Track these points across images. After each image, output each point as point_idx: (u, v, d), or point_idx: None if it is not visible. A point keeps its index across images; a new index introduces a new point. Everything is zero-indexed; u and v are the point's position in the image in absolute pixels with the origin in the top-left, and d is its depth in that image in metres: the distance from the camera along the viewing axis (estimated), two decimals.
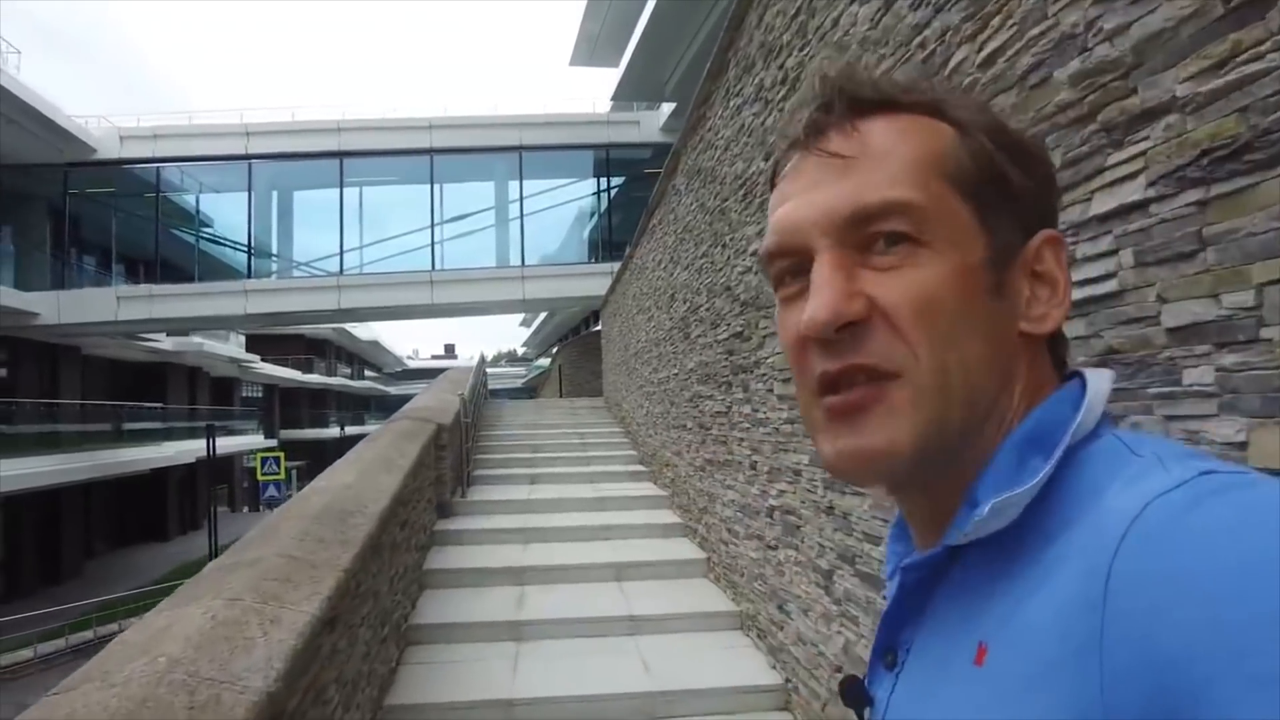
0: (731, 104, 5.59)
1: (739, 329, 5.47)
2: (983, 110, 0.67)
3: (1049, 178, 0.68)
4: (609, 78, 28.10)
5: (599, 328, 33.38)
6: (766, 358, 4.82)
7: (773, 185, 0.70)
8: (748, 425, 5.33)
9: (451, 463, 8.79)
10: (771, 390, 4.73)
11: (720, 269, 6.00)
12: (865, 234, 0.61)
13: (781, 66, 4.34)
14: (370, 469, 5.31)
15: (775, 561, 4.77)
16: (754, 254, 5.02)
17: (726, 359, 5.87)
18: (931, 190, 0.61)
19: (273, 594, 2.78)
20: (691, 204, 7.16)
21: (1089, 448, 0.59)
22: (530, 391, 58.73)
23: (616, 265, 24.52)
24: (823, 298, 0.60)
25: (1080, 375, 0.64)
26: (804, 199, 0.64)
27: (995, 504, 0.57)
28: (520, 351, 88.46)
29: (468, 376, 14.56)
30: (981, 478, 0.61)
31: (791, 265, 0.65)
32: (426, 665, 5.19)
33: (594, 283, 23.68)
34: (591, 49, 25.73)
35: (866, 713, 0.71)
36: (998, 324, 0.62)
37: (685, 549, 7.36)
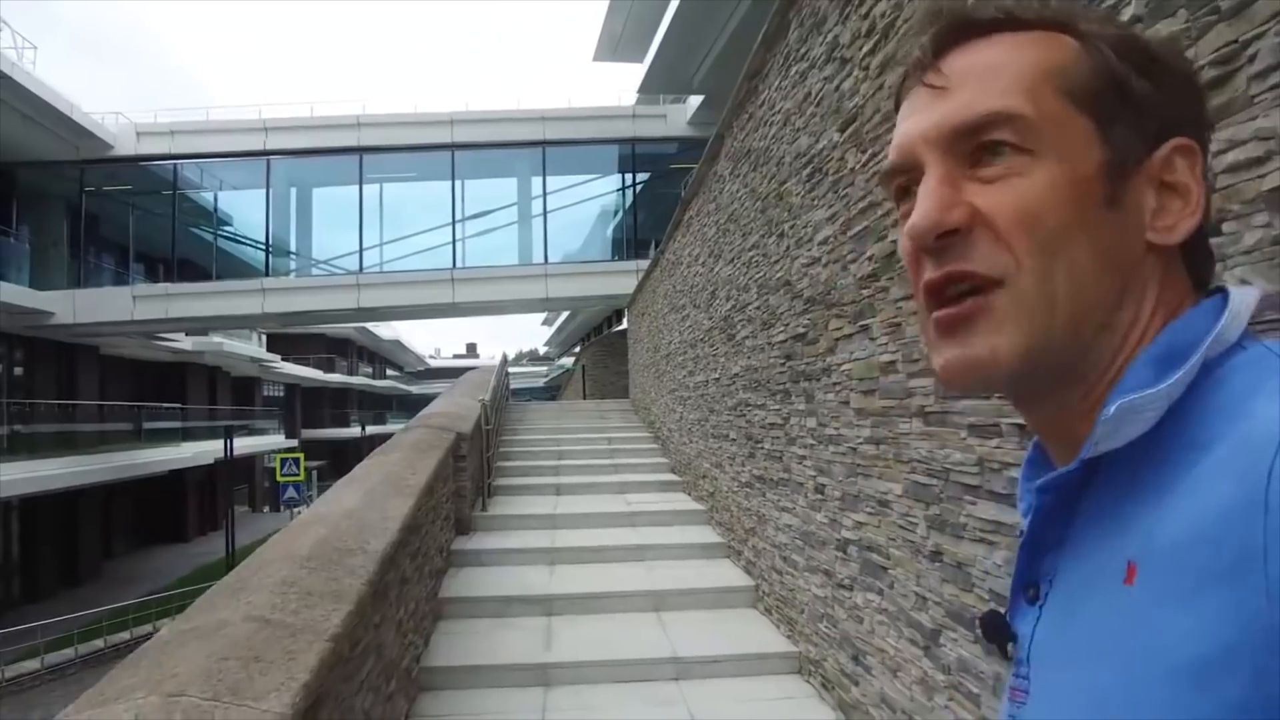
0: (793, 71, 4.87)
1: (800, 330, 4.75)
2: (1110, 22, 0.66)
3: (1186, 86, 0.65)
4: (634, 73, 27.48)
5: (622, 327, 32.87)
6: (840, 364, 4.08)
7: (897, 106, 0.70)
8: (812, 442, 4.61)
9: (471, 473, 8.12)
10: (847, 403, 4.00)
11: (776, 261, 5.29)
12: (972, 146, 0.62)
13: (866, 15, 3.62)
14: (378, 491, 4.63)
15: (849, 604, 4.04)
16: (822, 243, 4.31)
17: (783, 364, 5.16)
18: (1043, 101, 0.61)
19: (231, 684, 2.09)
20: (738, 191, 6.45)
21: (1234, 358, 0.57)
22: (552, 391, 58.26)
23: (642, 263, 23.99)
24: (924, 207, 0.61)
25: (1224, 290, 0.62)
26: (919, 115, 0.65)
27: (1123, 404, 0.56)
28: (542, 351, 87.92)
29: (489, 379, 13.91)
30: (1113, 390, 0.59)
31: (906, 181, 0.66)
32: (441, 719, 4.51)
33: (619, 281, 23.03)
34: (615, 44, 25.02)
35: (1010, 648, 0.66)
36: (1114, 235, 0.61)
37: (729, 574, 6.64)
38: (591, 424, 14.45)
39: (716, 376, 7.50)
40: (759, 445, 5.90)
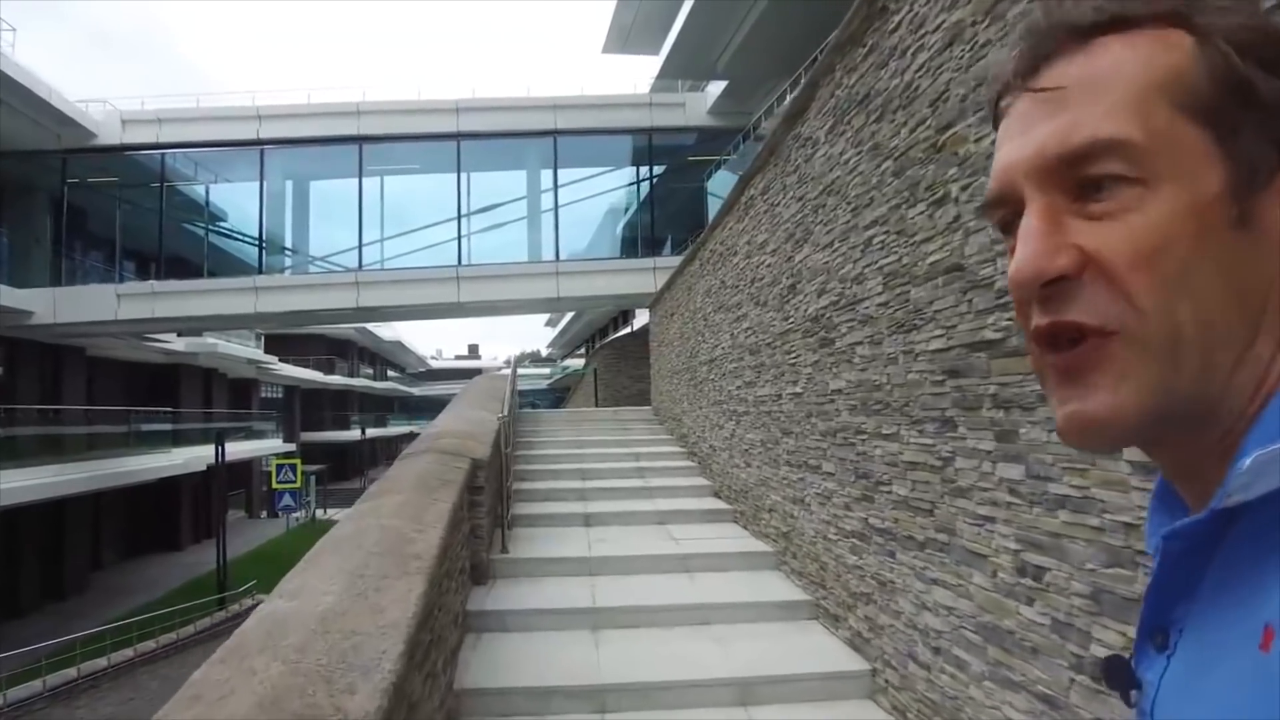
0: None
1: (990, 336, 3.26)
2: (1232, 9, 0.58)
3: None
4: (645, 66, 26.16)
5: (629, 330, 31.40)
6: None
7: (995, 123, 0.64)
8: (1011, 499, 3.13)
9: (488, 506, 6.65)
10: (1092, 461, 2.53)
11: (927, 239, 3.80)
12: (1077, 177, 0.56)
13: None
14: (372, 567, 3.15)
15: None
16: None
17: (942, 382, 3.68)
18: (1155, 119, 0.55)
19: None
20: (843, 153, 4.97)
21: None
22: (557, 394, 56.85)
23: (660, 260, 22.67)
24: (1024, 253, 0.57)
25: None
26: (1017, 141, 0.60)
27: (1261, 456, 0.51)
28: (545, 352, 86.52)
29: (501, 386, 12.44)
30: (1250, 433, 0.53)
31: (1008, 214, 0.61)
32: None
33: (635, 279, 21.67)
34: (626, 35, 23.66)
35: (1133, 696, 0.62)
36: (1245, 259, 0.55)
37: (829, 649, 5.14)
38: (613, 436, 12.98)
39: (797, 391, 6.02)
40: (883, 488, 4.42)
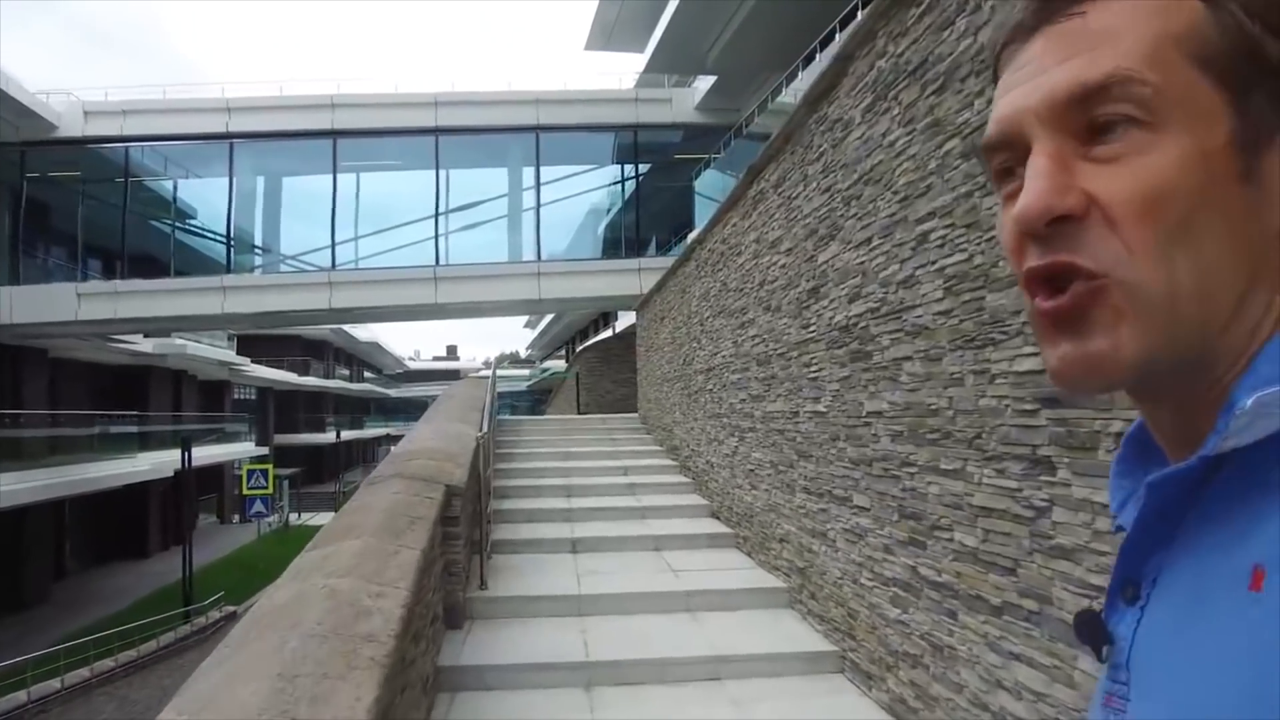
0: None
1: None
2: None
3: None
4: (629, 64, 25.44)
5: (611, 332, 30.55)
6: None
7: (995, 80, 0.63)
8: None
9: (464, 537, 5.87)
10: None
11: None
12: (1087, 119, 0.55)
13: None
14: (308, 662, 2.37)
15: None
16: None
17: (1035, 412, 2.93)
18: (1168, 66, 0.54)
19: None
20: (887, 133, 4.23)
21: None
22: (536, 396, 55.96)
23: (645, 262, 21.87)
24: (1033, 189, 0.56)
25: None
26: (1026, 85, 0.58)
27: (1262, 397, 0.51)
28: (524, 354, 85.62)
29: (479, 394, 11.65)
30: (1241, 379, 0.54)
31: (1011, 159, 0.60)
32: None
33: (619, 281, 20.92)
34: (609, 31, 22.94)
35: (1105, 651, 0.61)
36: (1246, 214, 0.55)
37: (868, 716, 4.39)
38: (599, 447, 12.21)
39: (819, 410, 5.28)
40: (941, 533, 3.68)
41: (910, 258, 3.95)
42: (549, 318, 48.20)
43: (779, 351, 6.19)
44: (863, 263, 4.54)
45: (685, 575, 6.53)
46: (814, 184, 5.37)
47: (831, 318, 5.06)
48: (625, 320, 26.83)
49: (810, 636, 5.34)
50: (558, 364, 54.31)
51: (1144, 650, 0.57)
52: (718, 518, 8.39)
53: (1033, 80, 0.58)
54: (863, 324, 4.56)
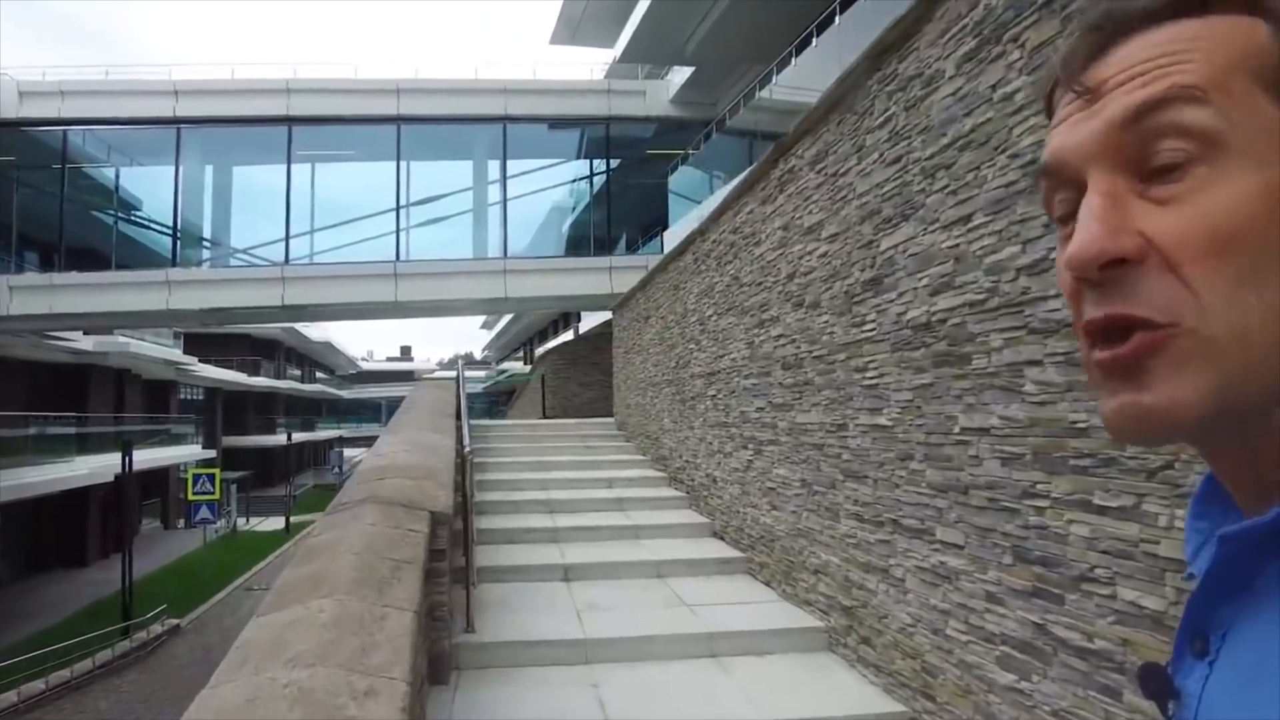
0: None
1: None
2: None
3: None
4: (598, 59, 24.64)
5: (573, 333, 29.60)
6: None
7: (1048, 113, 0.61)
8: None
9: (450, 570, 4.94)
10: None
11: None
12: (1145, 154, 0.52)
13: None
14: None
15: None
16: None
17: None
18: (1233, 90, 0.51)
19: None
20: (1000, 83, 3.38)
21: None
22: (492, 399, 54.81)
23: (617, 259, 21.06)
24: (1086, 231, 0.53)
25: None
26: (1078, 117, 0.56)
27: None
28: (481, 355, 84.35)
29: (448, 397, 10.69)
30: None
31: (1066, 199, 0.58)
32: None
33: (589, 279, 20.07)
34: (576, 24, 22.13)
35: (1170, 706, 0.58)
36: None
37: None
38: (577, 456, 11.27)
39: (881, 423, 4.42)
40: (1090, 586, 2.82)
41: (1040, 237, 3.10)
42: (507, 318, 47.19)
43: (816, 354, 5.33)
44: (956, 246, 3.69)
45: (702, 611, 5.64)
46: (874, 156, 4.51)
47: (901, 314, 4.20)
48: (590, 321, 25.96)
49: (867, 692, 4.47)
50: (516, 365, 53.32)
51: (1213, 707, 0.54)
52: (722, 539, 7.52)
53: (1087, 120, 0.55)
54: (955, 320, 3.70)
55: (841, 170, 4.94)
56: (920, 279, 4.02)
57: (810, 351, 5.43)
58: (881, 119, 4.44)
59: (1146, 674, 0.60)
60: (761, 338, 6.41)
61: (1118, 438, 0.55)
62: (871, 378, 4.55)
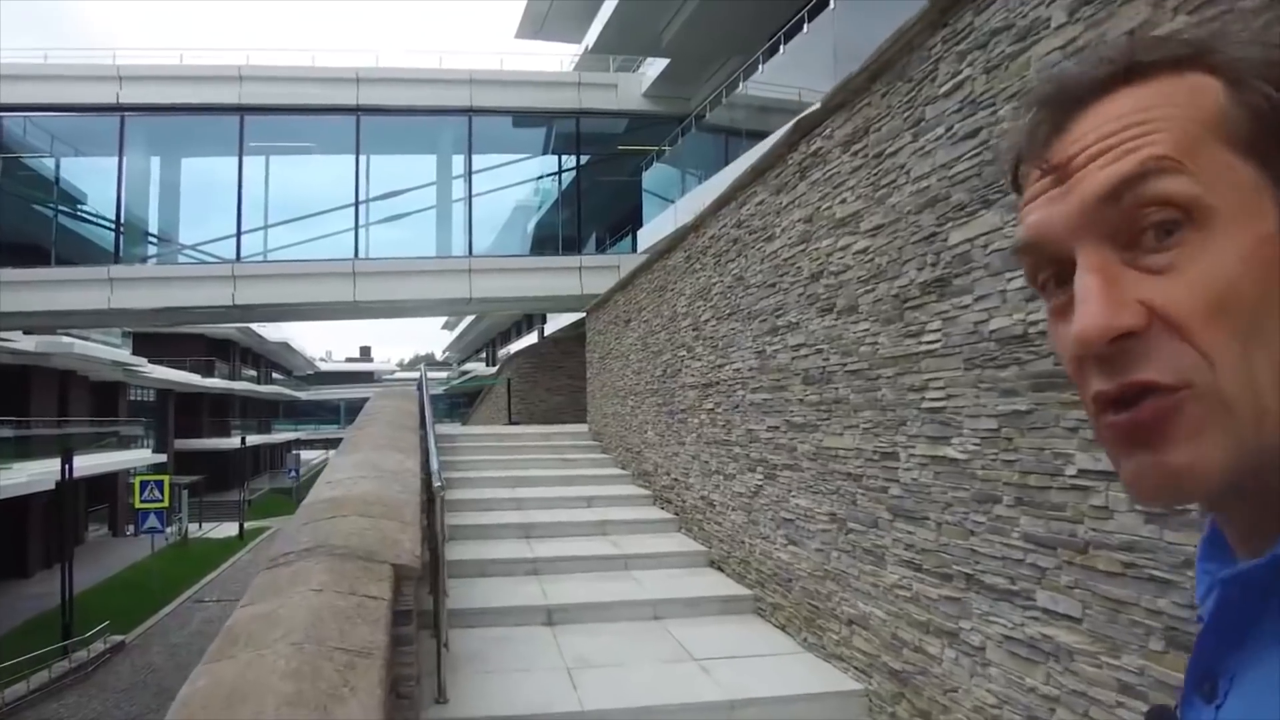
0: None
1: None
2: (1258, 41, 0.55)
3: None
4: (566, 55, 23.75)
5: (534, 336, 28.66)
6: None
7: (1016, 189, 0.61)
8: None
9: (415, 633, 4.06)
10: None
11: None
12: (1130, 220, 0.52)
13: None
14: None
15: None
16: None
17: None
18: (1206, 153, 0.51)
19: None
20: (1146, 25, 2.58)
21: None
22: (453, 401, 53.70)
23: (587, 259, 20.14)
24: (1088, 310, 0.52)
25: None
26: (1058, 204, 0.55)
27: None
28: (442, 356, 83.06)
29: (412, 408, 9.78)
30: None
31: (1052, 274, 0.57)
32: None
33: (558, 280, 19.17)
34: (542, 19, 21.25)
35: None
36: None
37: None
38: (553, 471, 10.41)
39: (952, 455, 3.61)
40: None
41: None
42: (469, 319, 46.10)
43: (851, 367, 4.52)
44: None
45: (715, 669, 4.80)
46: (939, 130, 3.70)
47: (980, 323, 3.41)
48: (556, 322, 25.07)
49: None
50: (479, 366, 52.30)
51: None
52: (722, 570, 6.72)
53: (1061, 198, 0.54)
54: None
55: (889, 150, 4.13)
56: (1010, 280, 3.22)
57: (843, 365, 4.62)
58: (949, 85, 3.64)
59: (1155, 718, 0.59)
60: (775, 346, 5.60)
61: (1139, 500, 0.54)
62: (935, 399, 3.74)
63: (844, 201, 4.59)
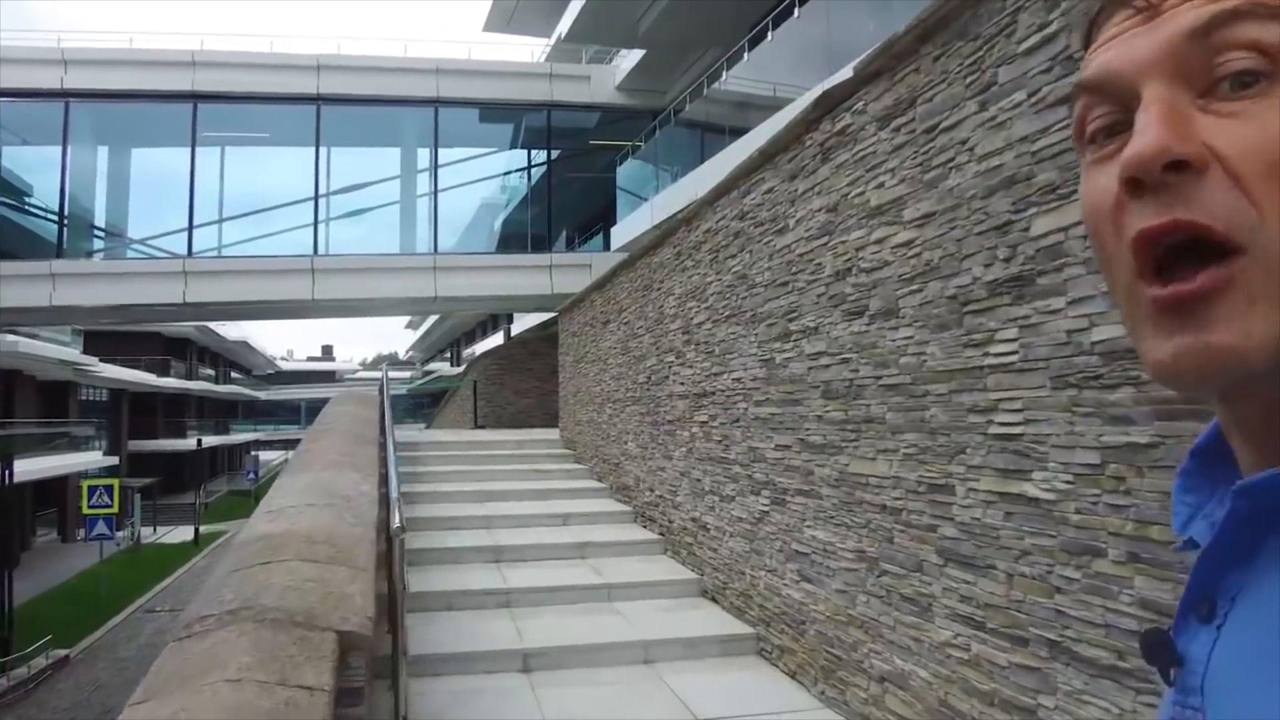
0: None
1: None
2: None
3: None
4: (534, 50, 23.03)
5: (499, 335, 27.86)
6: None
7: (1087, 46, 0.57)
8: None
9: (363, 707, 3.32)
10: None
11: None
12: (1210, 64, 0.48)
13: None
14: None
15: None
16: None
17: None
18: None
19: None
20: None
21: None
22: (416, 401, 52.76)
23: (558, 257, 19.40)
24: (1148, 133, 0.48)
25: None
26: (1135, 30, 0.52)
27: None
28: (405, 355, 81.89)
29: (372, 413, 9.00)
30: None
31: (1108, 117, 0.53)
32: None
33: (527, 279, 18.48)
34: (512, 10, 20.44)
35: (1174, 674, 0.55)
36: None
37: None
38: (525, 484, 9.64)
39: (1030, 494, 2.92)
40: None
41: None
42: (433, 318, 45.20)
43: (888, 381, 3.84)
44: None
45: None
46: (1019, 95, 3.02)
47: (1076, 332, 2.73)
48: (523, 322, 24.33)
49: None
50: (443, 366, 51.41)
51: (1221, 673, 0.52)
52: (718, 602, 6.02)
53: (1145, 26, 0.51)
54: None
55: (944, 123, 3.45)
56: None
57: (877, 378, 3.94)
58: (1034, 39, 2.96)
59: (1149, 641, 0.57)
60: (787, 354, 4.91)
61: (1169, 382, 0.51)
62: (1007, 423, 3.06)
63: (881, 186, 3.91)
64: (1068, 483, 2.79)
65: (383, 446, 7.03)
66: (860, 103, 4.11)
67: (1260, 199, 0.46)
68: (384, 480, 5.87)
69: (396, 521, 4.03)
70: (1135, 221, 0.49)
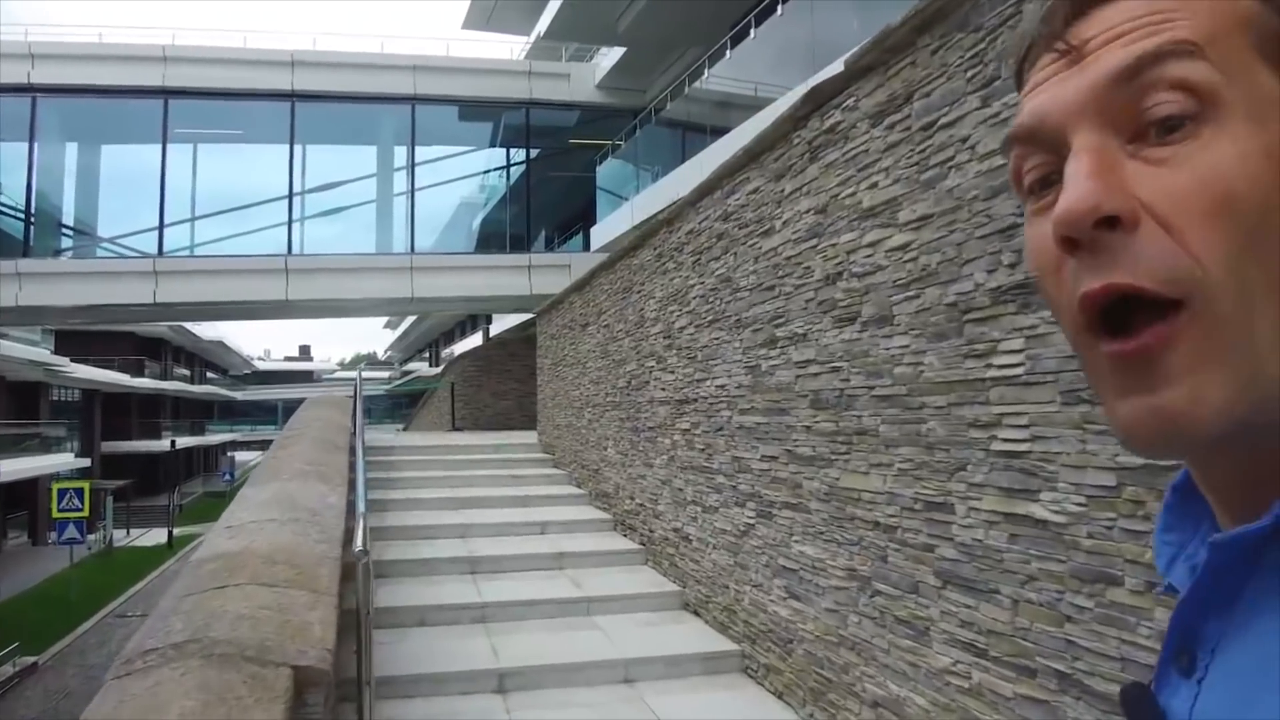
0: None
1: None
2: None
3: None
4: (516, 42, 22.83)
5: (477, 336, 27.58)
6: None
7: (1019, 86, 0.56)
8: None
9: None
10: None
11: None
12: (1137, 109, 0.47)
13: None
14: None
15: None
16: None
17: None
18: (1229, 51, 0.47)
19: None
20: None
21: None
22: (394, 401, 52.35)
23: (536, 257, 19.16)
24: (1078, 187, 0.47)
25: None
26: (1062, 75, 0.51)
27: None
28: (383, 355, 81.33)
29: (344, 419, 8.76)
30: None
31: (1043, 168, 0.52)
32: None
33: (506, 279, 18.24)
34: (490, 10, 20.19)
35: None
36: None
37: None
38: (502, 490, 9.43)
39: (1041, 516, 2.75)
40: None
41: None
42: (411, 318, 44.83)
43: (881, 392, 3.65)
44: None
45: None
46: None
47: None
48: (501, 323, 24.07)
49: None
50: (421, 366, 51.04)
51: None
52: (700, 616, 5.83)
53: (1071, 79, 0.50)
54: None
55: (942, 119, 3.26)
56: None
57: (870, 388, 3.75)
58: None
59: (1130, 696, 0.54)
60: (774, 361, 4.71)
61: (1132, 446, 0.49)
62: (1012, 440, 2.88)
63: (874, 187, 3.72)
64: (1080, 505, 2.61)
65: (353, 451, 6.80)
66: (851, 99, 3.92)
67: (1198, 250, 0.44)
68: (354, 486, 5.65)
69: (359, 544, 3.80)
70: (1074, 280, 0.48)
